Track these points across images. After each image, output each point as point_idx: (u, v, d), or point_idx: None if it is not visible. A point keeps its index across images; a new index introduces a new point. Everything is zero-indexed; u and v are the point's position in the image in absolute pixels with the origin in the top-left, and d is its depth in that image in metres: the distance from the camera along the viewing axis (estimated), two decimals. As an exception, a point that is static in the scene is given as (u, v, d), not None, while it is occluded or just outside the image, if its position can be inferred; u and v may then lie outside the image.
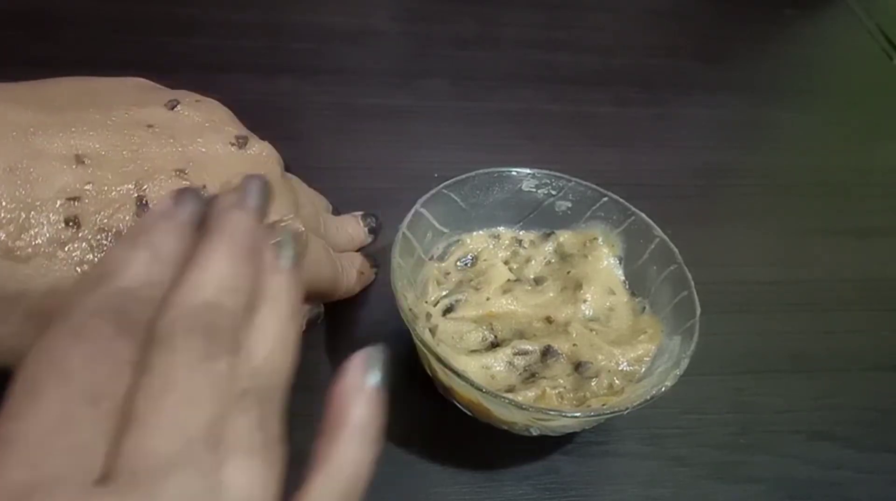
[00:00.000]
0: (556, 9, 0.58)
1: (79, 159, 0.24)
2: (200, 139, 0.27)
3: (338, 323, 0.35)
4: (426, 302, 0.33)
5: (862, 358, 0.38)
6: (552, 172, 0.35)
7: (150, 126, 0.26)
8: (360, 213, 0.37)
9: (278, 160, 0.30)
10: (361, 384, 0.20)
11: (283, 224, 0.24)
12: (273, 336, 0.20)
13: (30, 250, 0.23)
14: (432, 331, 0.32)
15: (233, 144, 0.28)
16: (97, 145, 0.25)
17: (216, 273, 0.19)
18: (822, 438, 0.34)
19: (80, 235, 0.24)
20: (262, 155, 0.29)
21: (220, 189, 0.27)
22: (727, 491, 0.32)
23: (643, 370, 0.31)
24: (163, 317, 0.18)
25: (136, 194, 0.25)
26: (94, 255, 0.24)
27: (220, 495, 0.17)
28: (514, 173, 0.35)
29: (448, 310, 0.33)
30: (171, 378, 0.17)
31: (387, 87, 0.48)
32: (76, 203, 0.24)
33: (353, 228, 0.36)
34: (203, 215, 0.21)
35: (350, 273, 0.34)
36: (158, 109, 0.27)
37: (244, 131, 0.29)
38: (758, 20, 0.61)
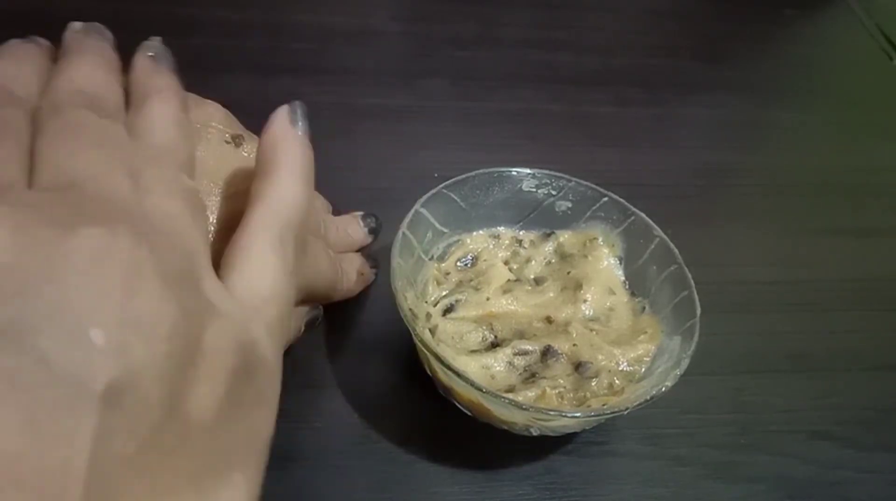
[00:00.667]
0: (556, 9, 0.58)
1: None
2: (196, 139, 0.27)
3: (337, 323, 0.35)
4: (426, 302, 0.33)
5: (862, 358, 0.38)
6: (552, 172, 0.35)
7: None
8: (361, 213, 0.37)
9: None
10: (291, 130, 0.22)
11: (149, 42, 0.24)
12: (163, 116, 0.20)
13: None
14: (432, 331, 0.32)
15: (228, 143, 0.28)
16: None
17: (82, 71, 0.20)
18: (822, 438, 0.34)
19: None
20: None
21: (220, 191, 0.27)
22: (727, 491, 0.32)
23: (643, 370, 0.31)
24: (45, 99, 0.19)
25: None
26: None
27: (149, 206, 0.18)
28: (514, 173, 0.35)
29: (448, 310, 0.33)
30: (61, 133, 0.18)
31: (387, 87, 0.48)
32: None
33: (352, 228, 0.36)
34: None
35: (349, 275, 0.34)
36: None
37: (241, 130, 0.29)
38: (758, 20, 0.61)
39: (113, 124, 0.19)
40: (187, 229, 0.18)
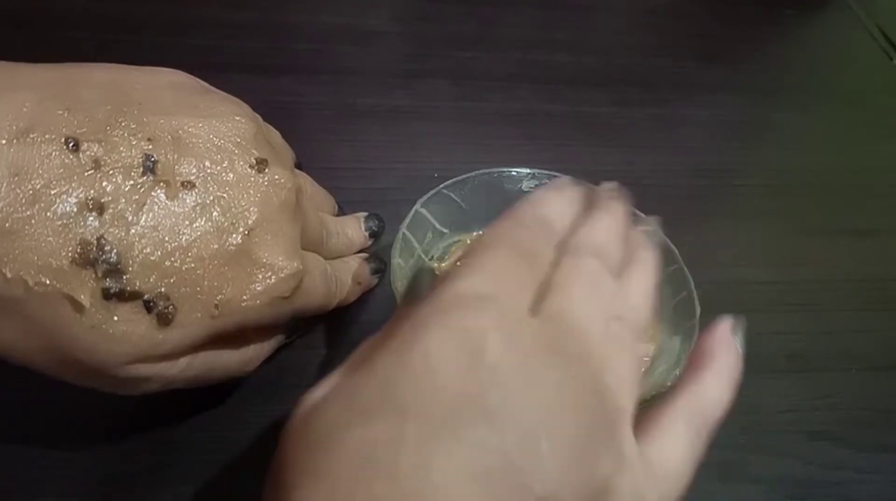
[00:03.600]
0: (556, 9, 0.58)
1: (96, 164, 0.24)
2: (220, 158, 0.26)
3: (337, 323, 0.35)
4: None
5: (862, 358, 0.38)
6: (553, 173, 0.35)
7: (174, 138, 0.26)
8: (364, 214, 0.37)
9: (293, 192, 0.28)
10: (729, 338, 0.24)
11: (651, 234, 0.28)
12: (642, 286, 0.24)
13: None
14: None
15: (252, 167, 0.27)
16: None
17: (605, 227, 0.25)
18: (822, 438, 0.34)
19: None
20: (279, 183, 0.27)
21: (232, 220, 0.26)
22: (727, 491, 0.32)
23: (643, 370, 0.31)
24: (570, 240, 0.24)
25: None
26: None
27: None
28: (514, 174, 0.35)
29: None
30: (573, 274, 0.22)
31: (387, 87, 0.48)
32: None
33: (353, 230, 0.36)
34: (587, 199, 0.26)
35: (342, 285, 0.33)
36: (186, 119, 0.26)
37: (267, 153, 0.28)
38: (758, 20, 0.61)
39: (609, 278, 0.23)
40: (625, 385, 0.21)
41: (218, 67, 0.46)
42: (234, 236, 0.26)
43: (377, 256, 0.36)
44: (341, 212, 0.37)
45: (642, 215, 0.34)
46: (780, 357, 0.37)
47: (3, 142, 0.22)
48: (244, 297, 0.26)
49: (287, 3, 0.53)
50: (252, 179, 0.27)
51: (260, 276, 0.26)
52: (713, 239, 0.42)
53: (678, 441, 0.22)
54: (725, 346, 0.24)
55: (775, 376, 0.36)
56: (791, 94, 0.55)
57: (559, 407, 0.19)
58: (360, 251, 0.36)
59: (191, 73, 0.30)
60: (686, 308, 0.31)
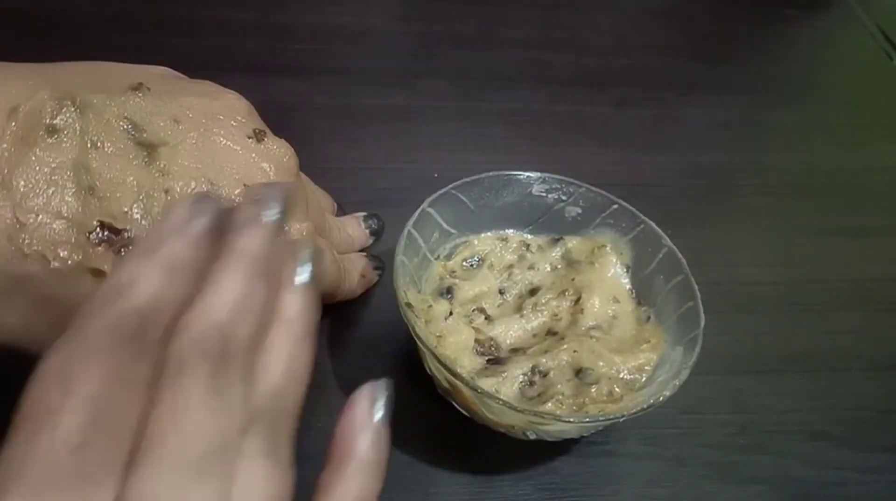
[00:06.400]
0: (556, 9, 0.58)
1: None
2: (218, 131, 0.27)
3: (340, 323, 0.35)
4: (427, 296, 0.33)
5: (862, 358, 0.38)
6: (563, 177, 0.35)
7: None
8: (363, 214, 0.37)
9: (294, 157, 0.29)
10: (368, 418, 0.20)
11: (302, 240, 0.24)
12: (285, 360, 0.20)
13: None
14: (428, 321, 0.32)
15: (250, 138, 0.28)
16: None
17: (229, 296, 0.18)
18: (822, 438, 0.34)
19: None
20: (279, 150, 0.29)
21: (237, 189, 0.27)
22: (727, 491, 0.32)
23: (644, 379, 0.31)
24: (175, 341, 0.18)
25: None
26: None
27: None
28: (523, 177, 0.35)
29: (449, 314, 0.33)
30: (180, 409, 0.17)
31: (387, 87, 0.48)
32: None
33: (353, 229, 0.36)
34: (220, 224, 0.20)
35: (352, 275, 0.34)
36: (181, 98, 0.27)
37: (262, 125, 0.29)
38: (758, 20, 0.61)
39: (233, 375, 0.18)
40: None
41: (218, 67, 0.46)
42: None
43: (376, 256, 0.36)
44: (341, 212, 0.37)
45: (643, 217, 0.34)
46: (780, 357, 0.37)
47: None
48: None
49: (287, 3, 0.53)
50: (252, 146, 0.28)
51: None
52: (713, 239, 0.42)
53: None
54: (363, 430, 0.20)
55: (775, 376, 0.36)
56: (791, 94, 0.55)
57: None
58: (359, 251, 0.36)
59: (191, 73, 0.30)
60: (690, 319, 0.30)
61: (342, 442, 0.20)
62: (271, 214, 0.20)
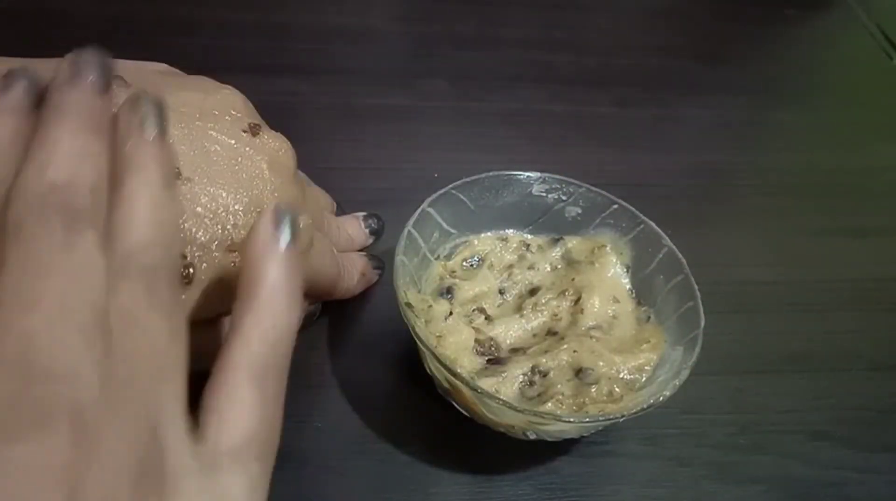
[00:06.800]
0: (556, 9, 0.58)
1: None
2: (212, 125, 0.27)
3: (339, 322, 0.35)
4: (427, 296, 0.33)
5: (862, 358, 0.38)
6: (563, 178, 0.35)
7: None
8: (363, 214, 0.37)
9: (291, 151, 0.29)
10: (273, 243, 0.20)
11: (137, 93, 0.21)
12: (148, 208, 0.18)
13: None
14: (428, 320, 0.32)
15: (245, 132, 0.28)
16: None
17: (61, 149, 0.17)
18: (822, 438, 0.34)
19: None
20: (275, 144, 0.28)
21: (233, 184, 0.27)
22: (727, 491, 0.32)
23: (644, 379, 0.31)
24: (10, 208, 0.16)
25: None
26: None
27: (112, 373, 0.16)
28: (523, 177, 0.35)
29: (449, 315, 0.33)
30: (31, 271, 0.16)
31: (387, 87, 0.48)
32: None
33: (353, 228, 0.36)
34: (38, 96, 0.19)
35: (351, 274, 0.34)
36: (178, 93, 0.27)
37: (258, 119, 0.29)
38: (758, 20, 0.61)
39: (79, 251, 0.16)
40: (155, 380, 0.17)
41: (218, 67, 0.46)
42: (238, 195, 0.26)
43: (376, 256, 0.36)
44: (341, 212, 0.37)
45: (643, 217, 0.34)
46: (780, 357, 0.37)
47: None
48: None
49: (287, 3, 0.53)
50: (247, 140, 0.27)
51: None
52: (713, 239, 0.42)
53: (246, 408, 0.18)
54: (268, 254, 0.19)
55: (775, 376, 0.36)
56: (791, 94, 0.55)
57: None
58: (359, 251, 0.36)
59: (190, 73, 0.30)
60: (690, 319, 0.30)
61: (248, 271, 0.19)
62: (87, 73, 0.19)
